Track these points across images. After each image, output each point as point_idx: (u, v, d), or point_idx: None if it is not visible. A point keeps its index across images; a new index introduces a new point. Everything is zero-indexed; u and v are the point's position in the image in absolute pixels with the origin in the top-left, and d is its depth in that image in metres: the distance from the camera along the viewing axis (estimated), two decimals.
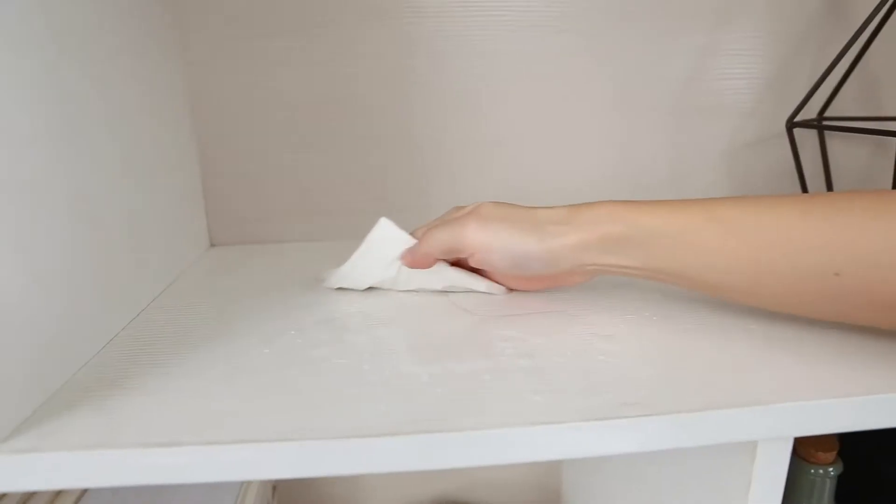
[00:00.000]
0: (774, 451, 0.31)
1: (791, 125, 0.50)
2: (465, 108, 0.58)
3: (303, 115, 0.57)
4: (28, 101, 0.31)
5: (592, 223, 0.35)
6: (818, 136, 0.58)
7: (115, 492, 0.51)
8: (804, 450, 0.53)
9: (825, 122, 0.51)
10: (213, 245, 0.59)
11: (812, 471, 0.49)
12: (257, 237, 0.59)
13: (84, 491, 0.52)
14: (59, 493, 0.50)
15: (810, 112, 0.58)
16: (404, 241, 0.42)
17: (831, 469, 0.49)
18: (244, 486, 0.57)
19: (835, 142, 0.61)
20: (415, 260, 0.42)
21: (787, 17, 0.57)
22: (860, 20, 0.47)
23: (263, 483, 0.61)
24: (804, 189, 0.51)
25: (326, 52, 0.55)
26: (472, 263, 0.41)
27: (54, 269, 0.32)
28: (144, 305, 0.43)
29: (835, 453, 0.52)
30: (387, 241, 0.42)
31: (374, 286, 0.44)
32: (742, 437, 0.29)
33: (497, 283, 0.43)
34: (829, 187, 0.57)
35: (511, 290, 0.43)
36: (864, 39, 0.50)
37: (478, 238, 0.38)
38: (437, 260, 0.42)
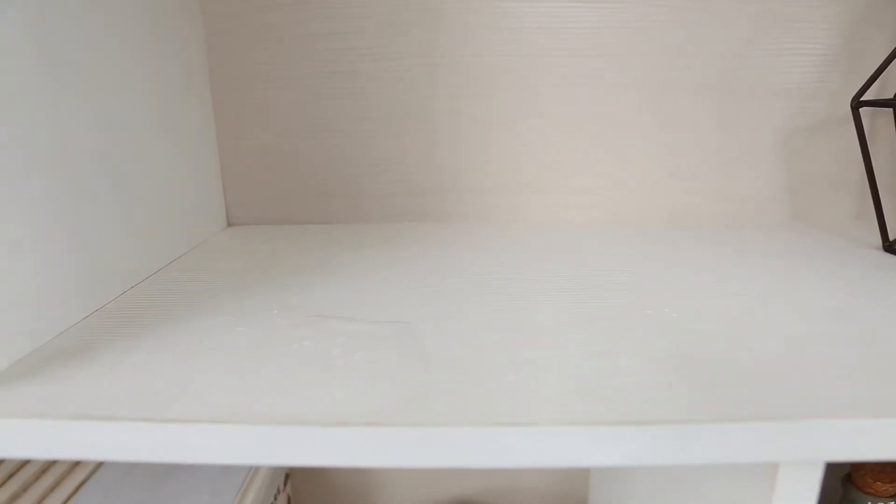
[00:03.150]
0: (800, 477, 0.26)
1: (857, 104, 0.43)
2: (490, 86, 0.54)
3: (322, 94, 0.55)
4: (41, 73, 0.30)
5: None
6: (895, 120, 0.50)
7: (129, 469, 0.51)
8: (861, 478, 0.46)
9: None
10: (230, 224, 0.58)
11: (869, 503, 0.42)
12: (275, 218, 0.58)
13: (99, 464, 0.53)
14: (77, 464, 0.51)
15: (887, 92, 0.51)
16: None
17: (893, 503, 0.42)
18: (251, 471, 0.56)
19: None
20: None
21: None
22: None
23: (275, 470, 0.60)
24: (871, 181, 0.44)
25: (351, 27, 0.53)
26: None
27: (32, 238, 0.31)
28: (141, 279, 0.43)
29: None
30: None
31: None
32: (758, 458, 0.25)
33: None
34: None
35: None
36: None
37: None
38: None
